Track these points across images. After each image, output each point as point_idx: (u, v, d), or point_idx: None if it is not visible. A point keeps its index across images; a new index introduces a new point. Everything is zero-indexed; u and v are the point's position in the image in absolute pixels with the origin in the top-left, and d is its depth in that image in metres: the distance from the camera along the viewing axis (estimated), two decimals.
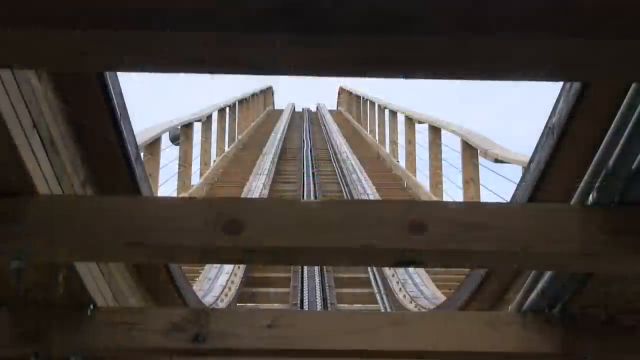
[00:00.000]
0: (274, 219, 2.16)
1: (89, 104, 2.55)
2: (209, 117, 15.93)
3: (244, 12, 1.42)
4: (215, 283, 8.19)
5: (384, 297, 8.76)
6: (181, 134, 13.38)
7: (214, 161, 16.44)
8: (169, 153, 12.75)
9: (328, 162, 19.93)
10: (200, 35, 1.43)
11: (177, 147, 13.18)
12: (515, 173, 9.15)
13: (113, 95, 2.56)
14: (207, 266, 8.55)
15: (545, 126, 2.77)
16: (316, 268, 9.26)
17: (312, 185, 16.50)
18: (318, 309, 7.94)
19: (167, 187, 12.14)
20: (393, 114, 19.09)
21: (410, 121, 16.45)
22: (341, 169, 18.25)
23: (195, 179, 14.11)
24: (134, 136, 2.97)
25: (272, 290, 9.21)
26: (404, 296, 7.96)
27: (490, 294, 3.83)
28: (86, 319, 2.88)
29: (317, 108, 35.41)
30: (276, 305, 8.52)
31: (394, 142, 18.68)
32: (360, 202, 2.20)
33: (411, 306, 7.57)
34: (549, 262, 2.29)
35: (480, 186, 11.04)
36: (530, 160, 3.02)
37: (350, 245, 2.14)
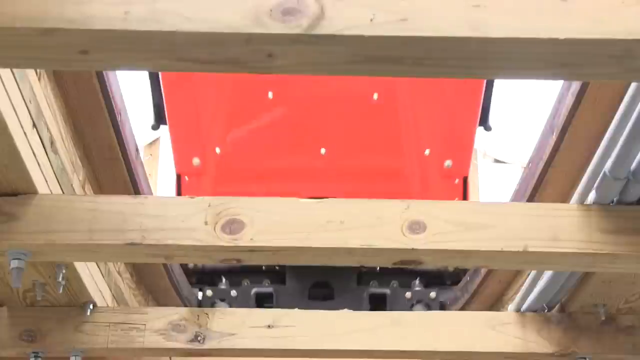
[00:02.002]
0: (274, 219, 2.16)
1: (88, 103, 2.55)
2: None
3: (244, 10, 1.42)
4: None
5: None
6: None
7: None
8: (169, 153, 12.72)
9: None
10: (199, 34, 1.43)
11: None
12: (515, 173, 9.13)
13: (113, 95, 2.57)
14: None
15: (545, 126, 2.77)
16: None
17: None
18: None
19: (167, 187, 12.11)
20: None
21: None
22: None
23: None
24: (133, 136, 2.97)
25: None
26: None
27: (489, 294, 3.82)
28: (86, 319, 2.88)
29: None
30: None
31: None
32: (360, 202, 2.20)
33: None
34: (548, 262, 2.29)
35: (480, 186, 11.01)
36: (530, 160, 3.03)
37: (349, 245, 2.14)
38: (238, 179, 3.80)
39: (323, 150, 3.66)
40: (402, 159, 3.76)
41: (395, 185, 3.77)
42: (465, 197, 3.84)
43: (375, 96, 3.54)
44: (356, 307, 3.99)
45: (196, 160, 3.85)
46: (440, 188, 3.83)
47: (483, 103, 3.73)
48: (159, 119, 3.98)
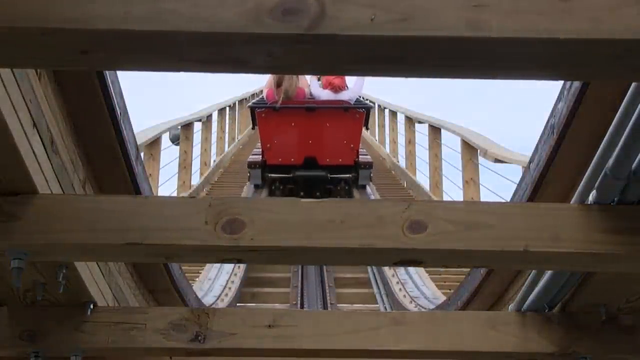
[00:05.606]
0: (274, 218, 2.16)
1: (89, 103, 2.55)
2: (209, 117, 15.91)
3: (245, 10, 1.42)
4: (216, 283, 8.19)
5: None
6: (181, 134, 13.38)
7: (214, 161, 16.42)
8: (169, 153, 12.77)
9: None
10: (200, 34, 1.43)
11: (177, 147, 13.19)
12: (515, 173, 9.14)
13: (113, 95, 2.57)
14: (208, 265, 8.55)
15: (545, 126, 2.77)
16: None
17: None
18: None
19: (167, 187, 12.14)
20: (393, 113, 19.07)
21: (410, 121, 16.43)
22: None
23: (196, 179, 14.09)
24: (134, 136, 2.98)
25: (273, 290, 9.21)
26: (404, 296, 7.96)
27: (490, 293, 3.83)
28: (86, 319, 2.88)
29: None
30: (277, 305, 8.51)
31: (393, 142, 18.69)
32: (360, 202, 2.20)
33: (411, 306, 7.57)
34: (549, 262, 2.29)
35: (480, 186, 11.02)
36: (530, 160, 3.03)
37: (350, 245, 2.14)
38: (280, 151, 13.04)
39: (310, 141, 13.08)
40: (338, 142, 13.13)
41: (336, 150, 13.15)
42: (357, 156, 13.50)
43: (328, 124, 13.14)
44: (322, 192, 13.18)
45: (267, 145, 13.09)
46: (347, 150, 13.20)
47: (365, 118, 13.53)
48: (254, 125, 13.96)
